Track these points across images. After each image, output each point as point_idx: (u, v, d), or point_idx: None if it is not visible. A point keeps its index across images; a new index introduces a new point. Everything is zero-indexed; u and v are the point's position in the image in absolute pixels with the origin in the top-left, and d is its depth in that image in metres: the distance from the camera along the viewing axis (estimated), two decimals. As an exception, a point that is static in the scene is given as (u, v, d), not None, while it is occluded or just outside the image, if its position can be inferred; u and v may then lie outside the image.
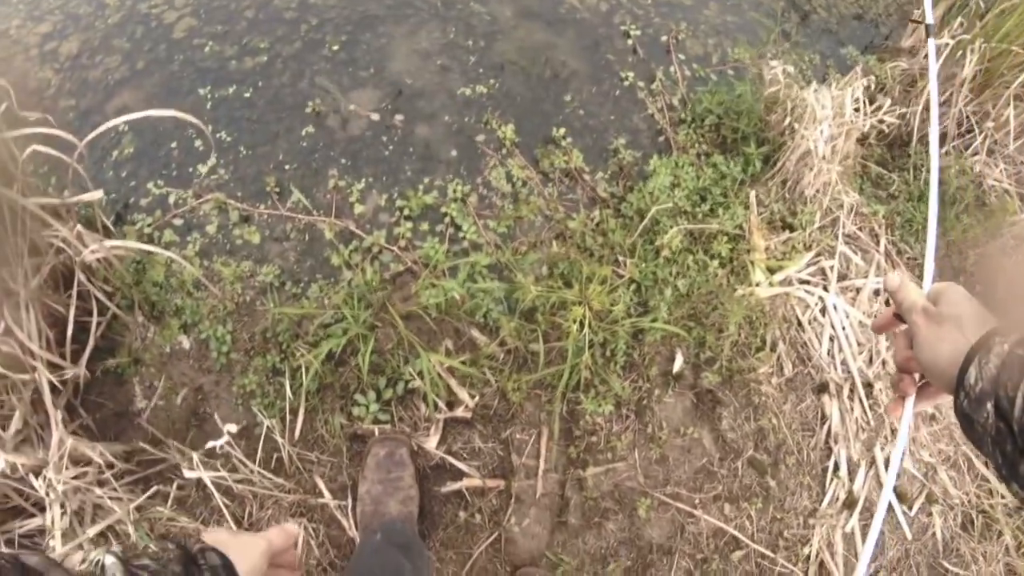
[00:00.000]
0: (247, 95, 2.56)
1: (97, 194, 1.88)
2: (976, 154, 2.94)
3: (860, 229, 2.63)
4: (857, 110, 2.45)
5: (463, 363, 2.00)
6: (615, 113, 2.80)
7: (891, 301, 0.81)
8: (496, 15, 3.00)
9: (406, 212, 2.31)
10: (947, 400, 0.71)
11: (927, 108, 2.70)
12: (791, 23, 3.57)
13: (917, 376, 0.81)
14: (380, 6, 2.92)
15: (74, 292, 1.83)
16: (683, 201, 2.43)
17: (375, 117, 2.54)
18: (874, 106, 2.61)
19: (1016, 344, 0.60)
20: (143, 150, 2.41)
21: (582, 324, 2.01)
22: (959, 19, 2.86)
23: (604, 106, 2.80)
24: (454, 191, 2.38)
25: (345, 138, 2.49)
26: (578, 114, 2.74)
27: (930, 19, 1.26)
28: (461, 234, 2.29)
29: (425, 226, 2.32)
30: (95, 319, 1.92)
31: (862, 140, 2.76)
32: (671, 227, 2.33)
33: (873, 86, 2.67)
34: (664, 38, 3.15)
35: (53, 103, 2.54)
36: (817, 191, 2.57)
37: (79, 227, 1.83)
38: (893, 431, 2.29)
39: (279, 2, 2.89)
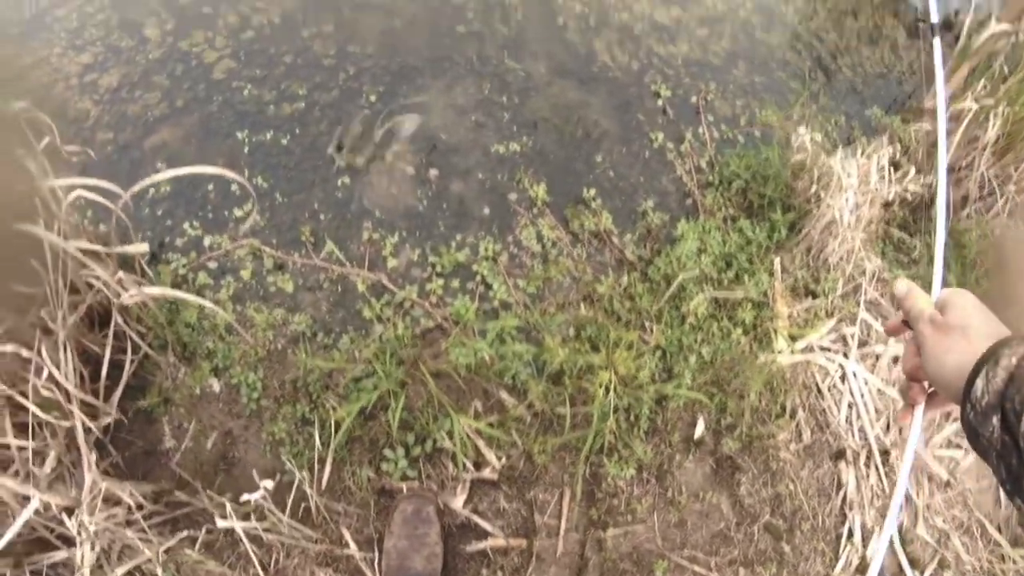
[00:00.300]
0: (284, 142, 2.65)
1: (143, 247, 1.96)
2: (997, 216, 3.01)
3: (882, 295, 2.69)
4: (882, 178, 2.54)
5: (491, 425, 2.06)
6: (644, 174, 2.89)
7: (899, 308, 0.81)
8: (531, 72, 3.10)
9: (438, 268, 2.40)
10: (956, 408, 0.69)
11: (950, 171, 2.80)
12: (817, 83, 3.68)
13: (926, 384, 0.80)
14: (418, 58, 3.03)
15: (110, 333, 1.90)
16: (709, 267, 2.51)
17: (410, 171, 2.63)
18: (899, 173, 2.70)
19: (1019, 364, 0.59)
20: (180, 190, 2.50)
21: (608, 389, 2.08)
22: (982, 82, 2.96)
23: (634, 167, 2.89)
24: (486, 249, 2.46)
25: (381, 191, 2.58)
26: (608, 175, 2.83)
27: (935, 18, 1.32)
28: (491, 293, 2.37)
29: (456, 283, 2.40)
30: (128, 358, 1.99)
31: (886, 205, 2.84)
32: (697, 293, 2.41)
33: (897, 155, 2.76)
34: (693, 99, 3.25)
35: (91, 134, 2.63)
36: (841, 258, 2.64)
37: (120, 273, 1.91)
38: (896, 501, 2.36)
39: (318, 49, 3.00)
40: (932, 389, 0.80)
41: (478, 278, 2.41)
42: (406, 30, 3.18)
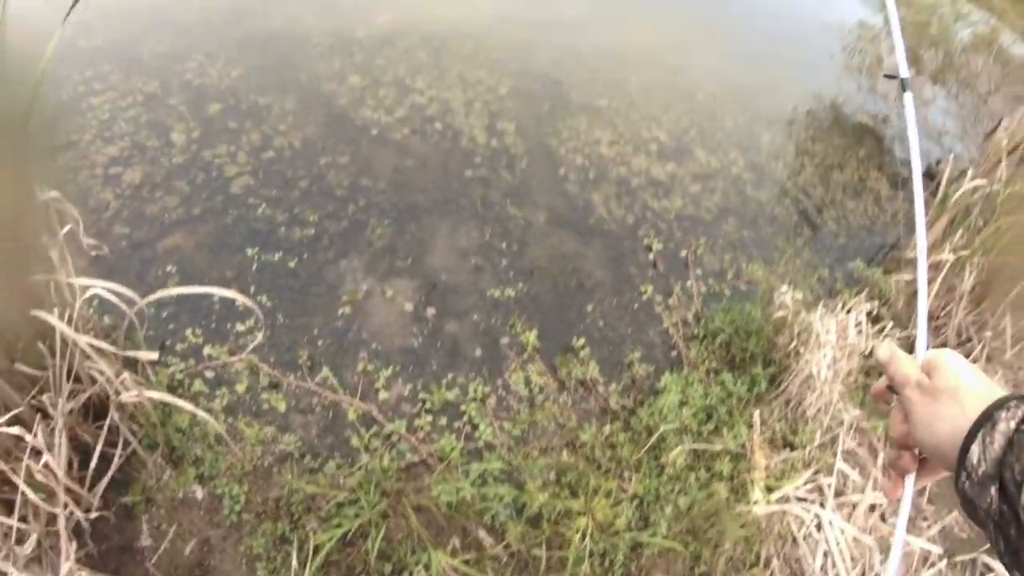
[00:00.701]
0: (292, 264, 2.82)
1: (153, 355, 2.07)
2: (975, 361, 3.16)
3: (859, 445, 2.79)
4: (860, 332, 2.70)
5: (467, 563, 2.12)
6: (632, 326, 3.06)
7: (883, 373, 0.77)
8: (531, 220, 3.33)
9: (428, 405, 2.51)
10: (949, 475, 0.66)
11: (929, 319, 2.98)
12: (803, 237, 3.94)
13: (916, 451, 0.75)
14: (426, 199, 3.26)
15: (105, 426, 1.98)
16: (690, 419, 2.63)
17: (408, 307, 2.79)
18: (876, 327, 2.88)
19: (1018, 428, 0.56)
20: (187, 297, 2.62)
21: (584, 534, 2.15)
22: (960, 232, 3.19)
23: (623, 319, 3.06)
24: (475, 390, 2.58)
25: (379, 324, 2.72)
26: (598, 324, 2.99)
27: (904, 73, 1.34)
28: (477, 433, 2.47)
29: (444, 421, 2.51)
30: (118, 452, 2.05)
31: (868, 355, 3.00)
32: (677, 444, 2.52)
33: (875, 309, 2.94)
34: (684, 253, 3.48)
35: (108, 227, 2.79)
36: (819, 411, 2.76)
37: (126, 373, 2.00)
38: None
39: (332, 178, 3.24)
40: (922, 456, 0.75)
41: (466, 418, 2.52)
42: (417, 169, 3.44)
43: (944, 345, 3.18)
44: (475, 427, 2.49)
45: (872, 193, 4.74)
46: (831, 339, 2.63)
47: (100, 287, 1.84)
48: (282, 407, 2.44)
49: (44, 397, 1.77)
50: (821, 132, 5.42)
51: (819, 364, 2.63)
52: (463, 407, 2.54)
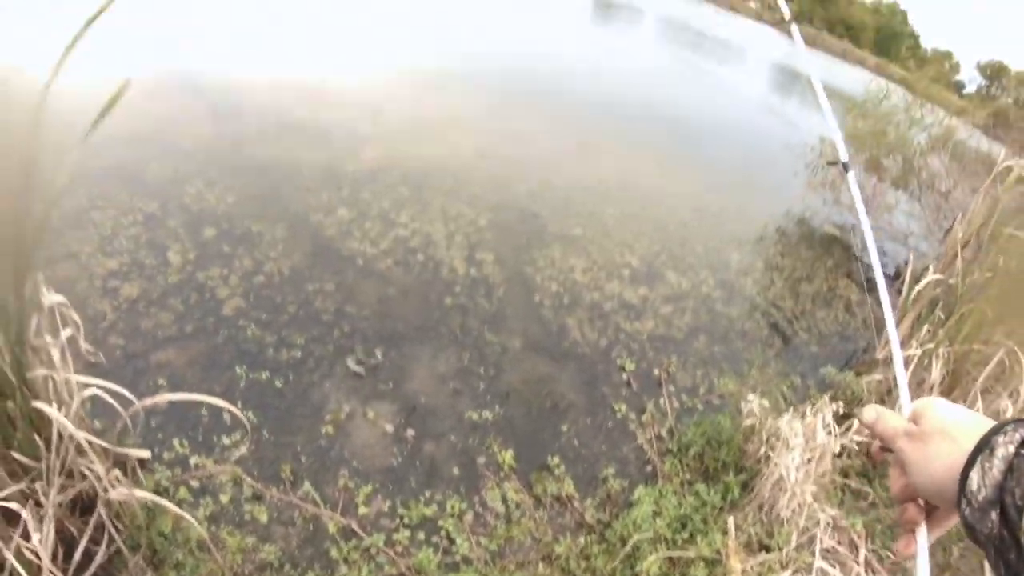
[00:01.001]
0: (278, 384, 2.97)
1: (145, 453, 2.19)
2: None
3: (839, 543, 2.84)
4: (829, 433, 2.83)
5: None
6: (607, 443, 3.19)
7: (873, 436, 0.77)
8: (507, 346, 3.52)
9: (406, 520, 2.59)
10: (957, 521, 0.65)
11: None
12: (774, 348, 4.14)
13: (922, 501, 0.74)
14: (407, 326, 3.46)
15: (91, 522, 2.06)
16: (664, 529, 2.71)
17: (389, 428, 2.92)
18: (843, 427, 3.01)
19: (1017, 452, 0.56)
20: (176, 408, 2.71)
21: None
22: (925, 327, 3.37)
23: (597, 437, 3.19)
24: (452, 507, 2.67)
25: (360, 443, 2.85)
26: (572, 443, 3.12)
27: (844, 158, 1.48)
28: (455, 547, 2.54)
29: (422, 535, 2.58)
30: (102, 548, 2.11)
31: (840, 455, 3.11)
32: (651, 553, 2.60)
33: (841, 410, 3.07)
34: (656, 371, 3.66)
35: (104, 336, 2.93)
36: (793, 512, 2.84)
37: (116, 471, 2.11)
38: None
39: (319, 304, 3.44)
40: (928, 506, 0.74)
41: (443, 532, 2.59)
42: (399, 298, 3.65)
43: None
44: (452, 541, 2.57)
45: (842, 300, 5.03)
46: (799, 442, 2.76)
47: (99, 386, 1.98)
48: (264, 518, 2.51)
49: (37, 485, 1.87)
50: (789, 247, 5.79)
51: (788, 466, 2.74)
52: (441, 522, 2.62)
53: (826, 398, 2.94)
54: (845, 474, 3.23)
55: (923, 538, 0.73)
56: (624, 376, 3.58)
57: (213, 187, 4.09)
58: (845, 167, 1.50)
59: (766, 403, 3.01)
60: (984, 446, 0.59)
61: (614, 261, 4.53)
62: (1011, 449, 0.56)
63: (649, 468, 3.11)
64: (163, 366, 2.88)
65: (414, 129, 6.10)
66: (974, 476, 0.58)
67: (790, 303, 4.75)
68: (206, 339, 3.06)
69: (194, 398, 2.23)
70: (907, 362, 3.26)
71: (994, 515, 0.55)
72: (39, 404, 1.73)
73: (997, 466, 0.56)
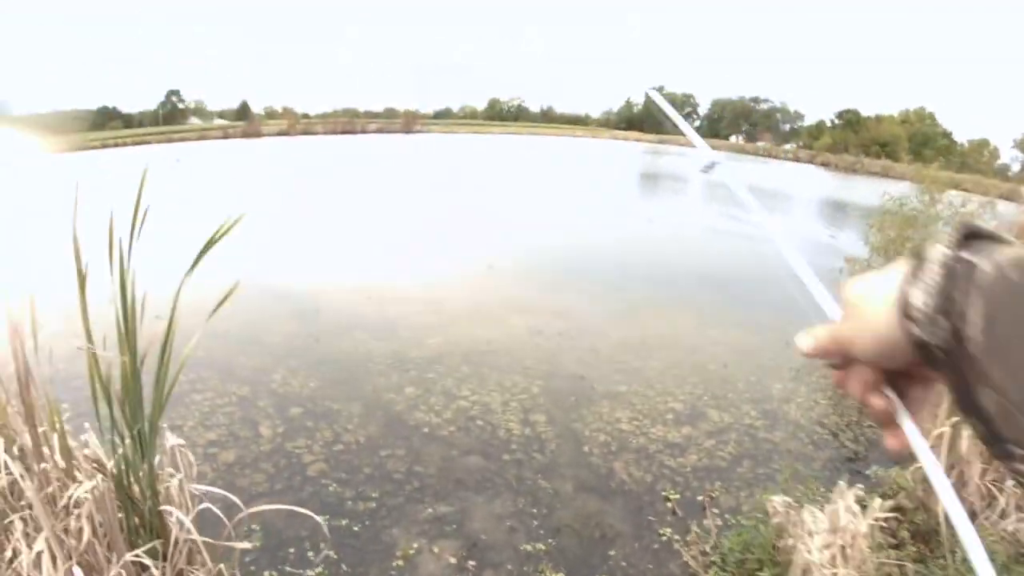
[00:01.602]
0: (356, 529, 3.50)
1: (247, 544, 2.74)
2: (1005, 516, 3.47)
3: None
4: (854, 515, 3.08)
5: None
6: (654, 562, 3.52)
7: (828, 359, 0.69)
8: (558, 490, 3.98)
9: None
10: (933, 387, 0.63)
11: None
12: (819, 460, 4.38)
13: (887, 392, 0.65)
14: (469, 478, 3.99)
15: None
16: (706, 627, 3.02)
17: (453, 560, 3.39)
18: (868, 509, 3.23)
19: (955, 255, 0.52)
20: (268, 547, 3.29)
21: None
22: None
23: (644, 558, 3.52)
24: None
25: (426, 573, 3.31)
26: (620, 564, 3.46)
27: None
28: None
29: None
30: None
31: (893, 544, 3.30)
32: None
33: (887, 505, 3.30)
34: (700, 498, 4.01)
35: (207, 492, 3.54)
36: None
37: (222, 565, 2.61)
38: None
39: (391, 465, 4.03)
40: (894, 396, 0.65)
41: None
42: (461, 457, 4.21)
43: (974, 513, 3.60)
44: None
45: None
46: (823, 526, 3.06)
47: (211, 493, 2.59)
48: (343, 638, 2.98)
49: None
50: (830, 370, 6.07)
51: (812, 549, 3.03)
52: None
53: (842, 483, 3.24)
54: (901, 564, 3.40)
55: (905, 420, 0.65)
56: (669, 505, 3.93)
57: (296, 374, 4.92)
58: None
59: (789, 499, 3.32)
60: (914, 262, 0.55)
61: (657, 408, 5.01)
62: (947, 255, 0.52)
63: (694, 582, 3.41)
64: (257, 515, 3.45)
65: (471, 316, 6.98)
66: (914, 292, 0.53)
67: (835, 419, 5.05)
68: (293, 494, 3.67)
69: (289, 508, 2.82)
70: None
71: (943, 322, 0.50)
72: (166, 508, 2.34)
73: (934, 272, 0.52)
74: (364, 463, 4.03)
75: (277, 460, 3.95)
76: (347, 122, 58.42)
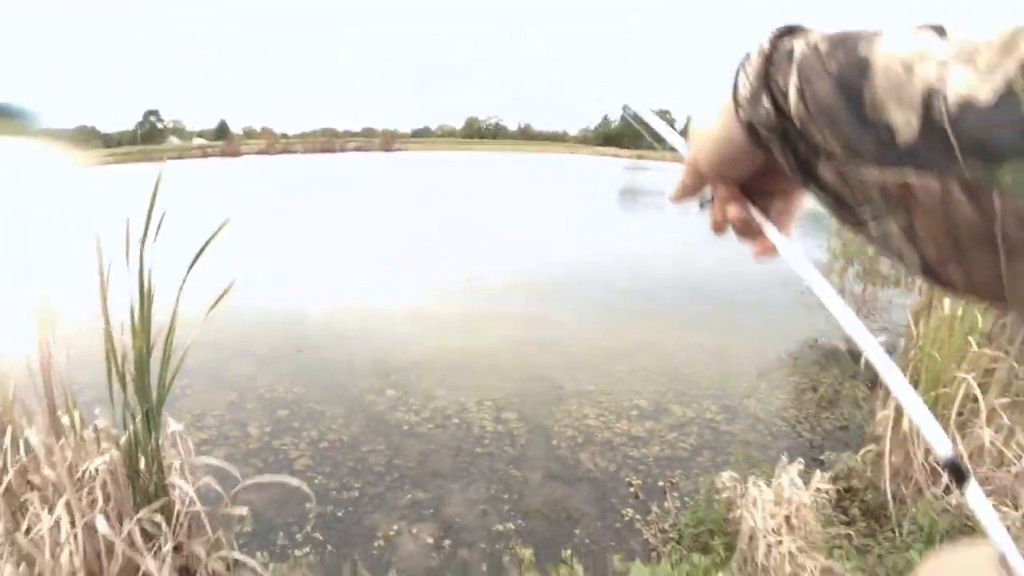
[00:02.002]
0: (340, 515, 3.80)
1: (243, 510, 3.06)
2: (949, 492, 3.77)
3: None
4: (796, 487, 3.37)
5: None
6: (616, 539, 3.82)
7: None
8: (528, 478, 4.30)
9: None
10: (794, 199, 0.65)
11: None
12: (775, 449, 4.70)
13: (745, 203, 0.65)
14: (445, 469, 4.30)
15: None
16: (658, 599, 3.33)
17: (430, 540, 3.69)
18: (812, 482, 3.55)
19: (773, 42, 0.52)
20: (259, 531, 3.60)
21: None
22: None
23: (606, 535, 3.83)
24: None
25: (406, 552, 3.61)
26: (585, 542, 3.77)
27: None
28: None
29: (457, 618, 3.30)
30: None
31: (844, 521, 3.68)
32: (648, 611, 3.20)
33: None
34: (661, 483, 4.33)
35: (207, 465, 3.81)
36: (774, 560, 3.32)
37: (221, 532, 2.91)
38: None
39: (372, 460, 4.33)
40: (749, 203, 0.65)
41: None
42: (438, 450, 4.53)
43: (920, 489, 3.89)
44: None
45: (848, 399, 5.59)
46: (767, 497, 3.37)
47: (212, 465, 2.90)
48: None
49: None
50: (795, 367, 6.46)
51: (756, 518, 3.34)
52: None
53: (784, 458, 3.57)
54: (828, 523, 3.71)
55: (769, 228, 0.64)
56: (631, 489, 4.26)
57: (282, 381, 5.25)
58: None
59: (736, 475, 3.65)
60: (741, 61, 0.55)
61: (623, 405, 5.34)
62: (765, 45, 0.53)
63: (654, 554, 3.73)
64: (246, 503, 3.74)
65: (450, 326, 7.35)
66: (738, 81, 0.55)
67: (793, 412, 5.39)
68: (281, 487, 3.96)
69: (282, 481, 3.13)
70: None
71: (765, 100, 0.52)
72: (173, 480, 2.65)
73: (755, 61, 0.53)
74: (347, 458, 4.33)
75: (265, 456, 4.25)
76: (326, 141, 58.89)
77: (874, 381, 5.34)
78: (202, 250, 2.60)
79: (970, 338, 4.02)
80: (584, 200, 26.94)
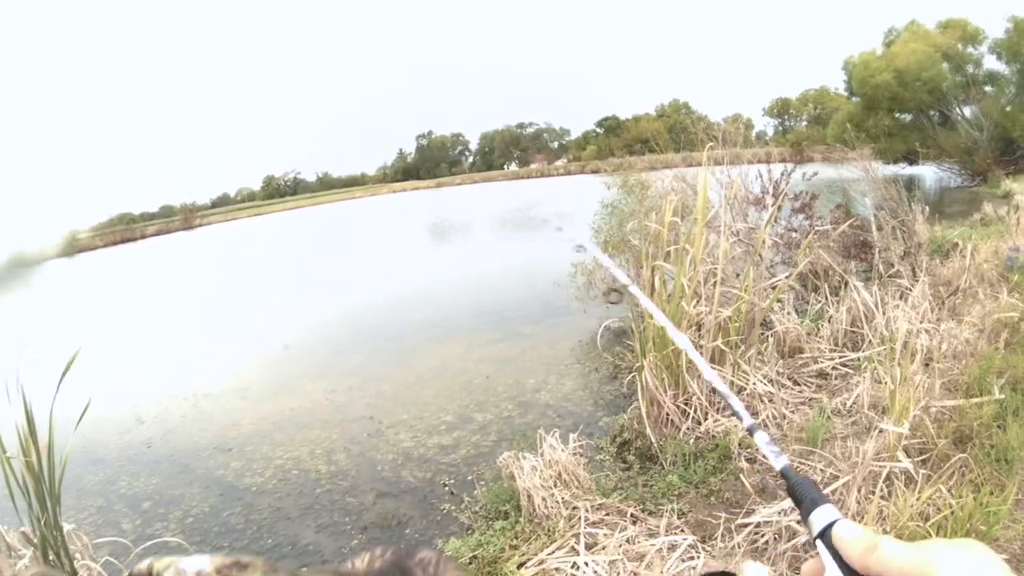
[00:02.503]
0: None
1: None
2: (700, 424, 4.93)
3: (607, 514, 4.28)
4: (553, 448, 4.57)
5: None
6: (438, 529, 4.89)
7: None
8: (362, 501, 5.32)
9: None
10: None
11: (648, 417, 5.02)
12: (564, 426, 5.89)
13: None
14: (294, 510, 5.23)
15: None
16: (468, 553, 4.47)
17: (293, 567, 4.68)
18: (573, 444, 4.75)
19: None
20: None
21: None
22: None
23: (431, 528, 4.88)
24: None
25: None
26: (415, 536, 4.80)
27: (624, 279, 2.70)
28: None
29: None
30: None
31: (625, 467, 4.86)
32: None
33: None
34: (470, 477, 5.49)
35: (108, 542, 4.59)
36: (551, 507, 4.37)
37: None
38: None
39: (233, 521, 5.13)
40: None
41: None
42: (285, 499, 5.48)
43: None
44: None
45: (627, 369, 6.75)
46: (534, 462, 4.53)
47: (116, 539, 3.75)
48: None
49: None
50: (580, 355, 7.86)
51: (526, 477, 4.50)
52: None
53: (541, 431, 4.75)
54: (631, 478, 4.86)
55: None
56: (446, 488, 5.39)
57: (139, 478, 5.99)
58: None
59: (510, 452, 4.84)
60: None
61: (432, 424, 6.52)
62: None
63: (468, 531, 4.86)
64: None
65: (275, 392, 8.27)
66: None
67: (579, 393, 6.73)
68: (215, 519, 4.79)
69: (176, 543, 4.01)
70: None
71: None
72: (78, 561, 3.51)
73: None
74: (211, 525, 5.19)
75: (144, 544, 5.01)
76: (124, 230, 56.04)
77: (643, 348, 6.09)
78: (64, 372, 3.50)
79: (683, 303, 5.50)
80: (377, 241, 28.33)
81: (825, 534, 0.59)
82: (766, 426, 5.07)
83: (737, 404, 0.74)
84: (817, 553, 0.60)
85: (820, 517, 0.59)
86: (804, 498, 0.62)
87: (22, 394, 3.32)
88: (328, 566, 0.64)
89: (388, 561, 0.60)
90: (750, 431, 0.70)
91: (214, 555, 0.46)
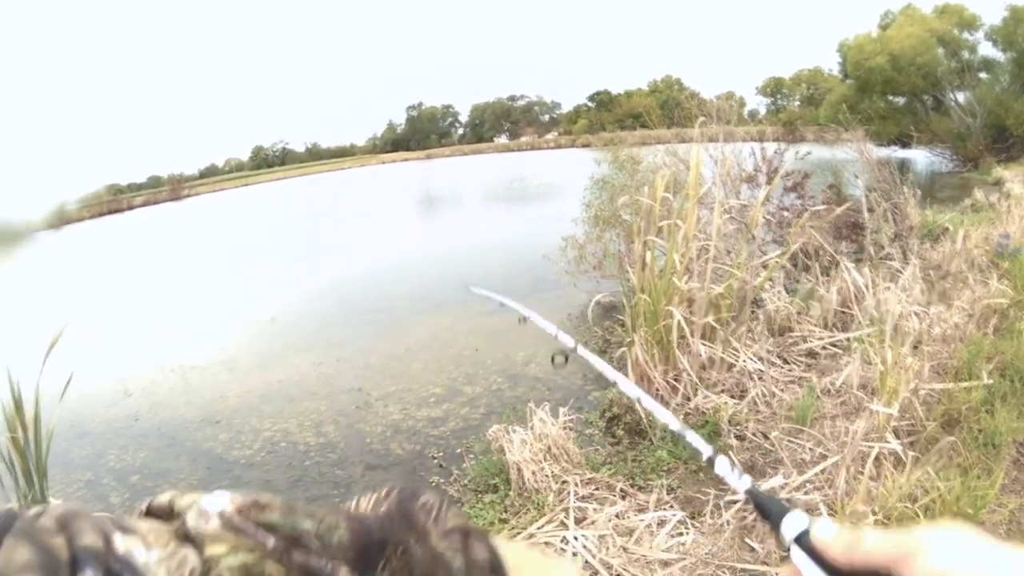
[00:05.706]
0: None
1: None
2: (689, 400, 5.02)
3: (597, 489, 4.34)
4: (543, 422, 4.59)
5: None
6: (427, 499, 4.99)
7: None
8: (351, 474, 5.32)
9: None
10: None
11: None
12: (554, 400, 5.86)
13: None
14: (282, 483, 5.23)
15: None
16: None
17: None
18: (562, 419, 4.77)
19: None
20: None
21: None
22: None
23: (419, 498, 4.98)
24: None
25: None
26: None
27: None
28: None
29: None
30: None
31: (614, 442, 4.90)
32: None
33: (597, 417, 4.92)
34: (459, 450, 5.50)
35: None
36: (541, 482, 4.47)
37: None
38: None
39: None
40: None
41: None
42: (274, 471, 5.47)
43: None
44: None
45: (616, 343, 6.87)
46: (524, 435, 4.54)
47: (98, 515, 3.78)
48: None
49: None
50: (573, 326, 7.86)
51: (515, 450, 4.52)
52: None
53: (532, 405, 4.76)
54: (620, 453, 4.86)
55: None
56: (435, 461, 5.40)
57: (127, 451, 5.97)
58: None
59: (500, 425, 4.84)
60: None
61: (421, 396, 6.52)
62: None
63: (459, 504, 4.88)
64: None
65: (262, 365, 8.23)
66: None
67: (570, 366, 6.66)
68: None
69: None
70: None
71: None
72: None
73: None
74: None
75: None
76: (112, 201, 55.41)
77: (634, 323, 6.02)
78: (51, 347, 3.46)
79: (674, 279, 5.50)
80: (365, 213, 28.18)
81: (801, 539, 0.57)
82: (755, 404, 5.09)
83: (694, 437, 0.80)
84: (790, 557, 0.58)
85: (792, 522, 0.58)
86: (771, 510, 0.61)
87: (7, 369, 3.27)
88: (338, 505, 0.63)
89: (392, 503, 0.61)
90: (710, 462, 0.73)
91: (234, 494, 0.47)
